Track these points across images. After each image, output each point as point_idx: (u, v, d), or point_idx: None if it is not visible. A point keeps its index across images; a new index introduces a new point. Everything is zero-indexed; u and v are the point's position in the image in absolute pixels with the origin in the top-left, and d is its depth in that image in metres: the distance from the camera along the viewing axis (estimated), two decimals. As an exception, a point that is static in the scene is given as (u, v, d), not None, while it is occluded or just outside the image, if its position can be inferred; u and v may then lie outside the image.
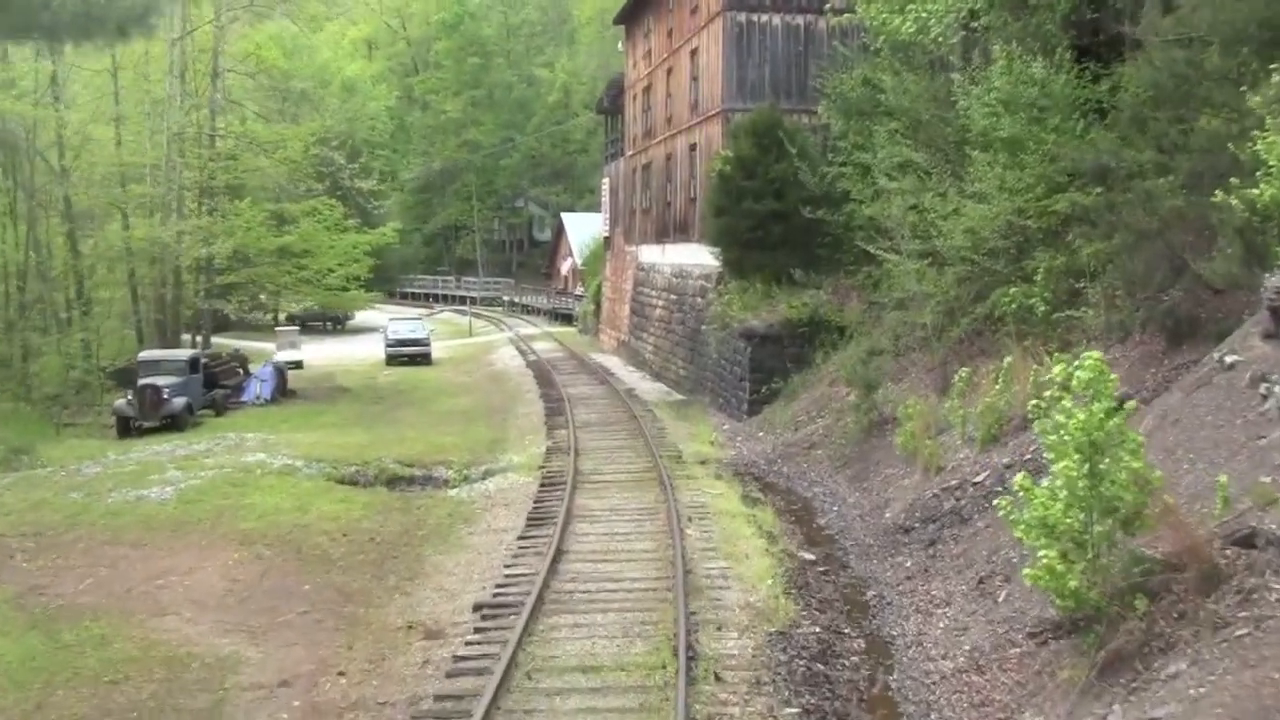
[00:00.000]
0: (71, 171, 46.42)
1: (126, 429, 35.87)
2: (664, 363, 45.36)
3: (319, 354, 69.44)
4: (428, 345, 62.07)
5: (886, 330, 30.56)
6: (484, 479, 27.60)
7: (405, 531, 22.13)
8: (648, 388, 43.83)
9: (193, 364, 38.38)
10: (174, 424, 35.80)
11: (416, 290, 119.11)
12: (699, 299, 40.83)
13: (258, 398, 42.84)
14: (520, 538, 20.85)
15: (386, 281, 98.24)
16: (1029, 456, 18.89)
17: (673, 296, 45.28)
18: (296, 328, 63.98)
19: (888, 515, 21.45)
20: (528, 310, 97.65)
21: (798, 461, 27.87)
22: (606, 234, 65.09)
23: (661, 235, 49.09)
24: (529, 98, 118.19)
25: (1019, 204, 24.37)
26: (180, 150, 46.33)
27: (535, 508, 23.18)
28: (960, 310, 26.73)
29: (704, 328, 38.50)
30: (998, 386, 21.66)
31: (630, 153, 56.88)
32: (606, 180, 65.04)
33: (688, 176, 44.37)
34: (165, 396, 35.63)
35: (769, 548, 19.60)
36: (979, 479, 19.77)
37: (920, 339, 28.80)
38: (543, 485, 25.47)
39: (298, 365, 59.60)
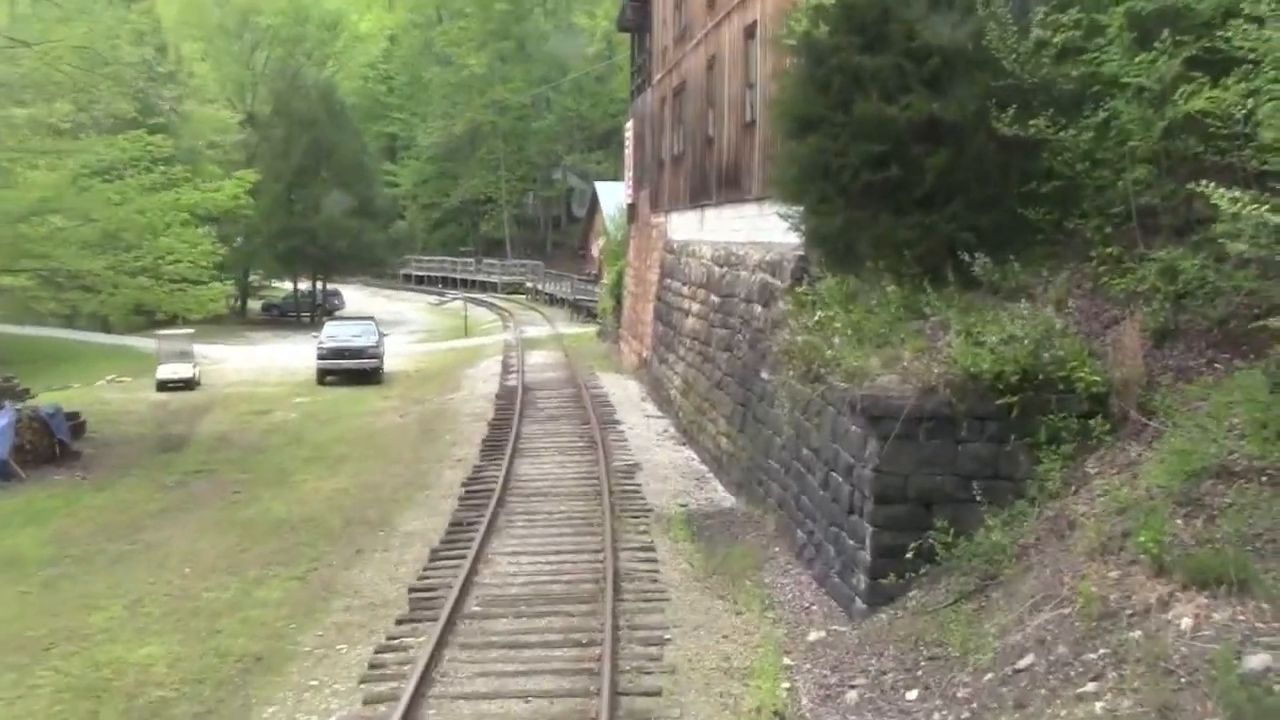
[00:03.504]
0: None
1: None
2: (696, 415, 26.06)
3: (245, 363, 51.45)
4: (376, 357, 43.75)
5: (1248, 410, 11.53)
6: None
7: None
8: (665, 462, 24.61)
9: None
10: None
11: (425, 274, 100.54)
12: (758, 307, 21.49)
13: (-42, 478, 24.09)
14: None
15: (373, 265, 79.66)
16: None
17: (713, 299, 26.01)
18: (189, 331, 45.44)
19: None
20: (553, 300, 78.73)
21: None
22: (630, 200, 45.76)
23: (699, 194, 29.84)
24: (565, 50, 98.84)
25: None
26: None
27: None
28: None
29: (767, 376, 19.03)
30: None
31: (659, 75, 37.55)
32: (630, 125, 45.67)
33: (741, 86, 25.02)
34: None
35: None
36: None
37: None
38: None
39: (186, 385, 41.69)
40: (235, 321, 77.69)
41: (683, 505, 20.58)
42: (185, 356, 43.92)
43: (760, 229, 22.46)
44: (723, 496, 21.31)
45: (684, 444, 26.46)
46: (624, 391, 35.28)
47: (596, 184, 77.63)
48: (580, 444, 26.70)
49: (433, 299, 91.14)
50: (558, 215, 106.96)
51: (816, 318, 16.12)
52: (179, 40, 68.25)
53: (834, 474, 15.07)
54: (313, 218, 70.72)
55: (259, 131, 76.28)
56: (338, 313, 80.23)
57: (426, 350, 55.92)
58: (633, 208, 44.86)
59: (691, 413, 26.55)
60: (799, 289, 18.17)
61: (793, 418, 17.13)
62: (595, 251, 74.85)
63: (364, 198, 74.24)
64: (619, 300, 46.41)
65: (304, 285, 79.26)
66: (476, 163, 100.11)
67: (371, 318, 49.66)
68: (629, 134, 45.69)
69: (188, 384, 42.32)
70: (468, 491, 22.11)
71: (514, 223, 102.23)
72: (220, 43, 77.82)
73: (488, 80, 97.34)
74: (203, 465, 27.08)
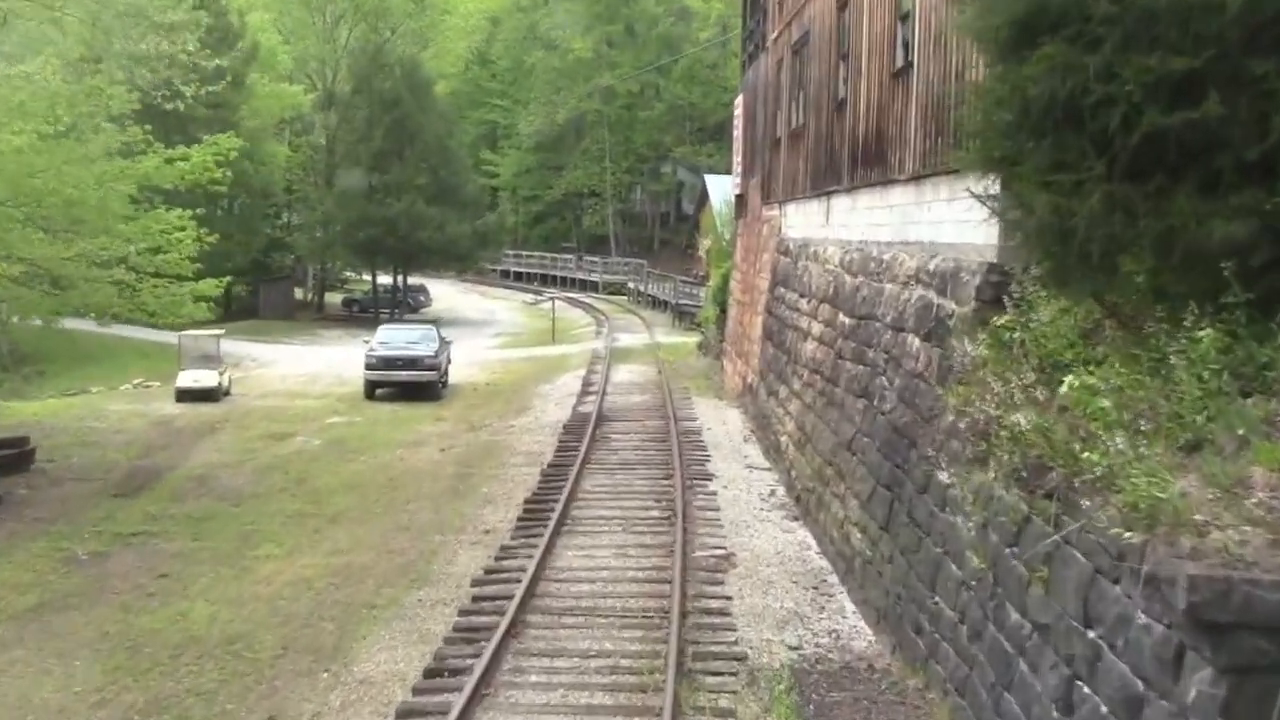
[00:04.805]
0: None
1: None
2: (816, 480, 18.61)
3: (295, 366, 45.52)
4: (435, 369, 37.15)
5: None
6: None
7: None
8: (769, 552, 17.27)
9: None
10: None
11: (524, 270, 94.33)
12: (915, 340, 14.10)
13: None
14: None
15: (458, 259, 73.05)
16: None
17: (843, 320, 18.68)
18: (219, 331, 39.13)
19: None
20: (655, 303, 71.75)
21: None
22: (738, 190, 38.44)
23: (823, 178, 22.48)
24: (677, 35, 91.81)
25: None
26: None
27: None
28: None
29: (946, 475, 11.61)
30: None
31: (774, 32, 30.20)
32: (740, 101, 38.32)
33: (888, 21, 17.57)
34: None
35: None
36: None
37: None
38: None
39: (208, 395, 35.60)
40: (310, 317, 72.05)
41: (793, 648, 13.27)
42: (210, 361, 37.68)
43: (916, 222, 15.17)
44: (854, 628, 13.97)
45: (796, 519, 19.15)
46: (722, 427, 28.11)
47: (706, 176, 70.48)
48: (654, 513, 19.56)
49: (529, 298, 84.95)
50: (666, 212, 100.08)
51: (1064, 387, 8.68)
52: (247, 8, 62.36)
53: (1085, 688, 7.75)
54: (393, 206, 64.40)
55: (339, 112, 70.44)
56: (423, 310, 74.46)
57: (505, 358, 49.31)
58: (740, 199, 37.58)
59: (808, 474, 19.21)
60: (999, 320, 10.78)
61: (987, 547, 9.81)
62: (702, 250, 67.82)
63: (450, 186, 67.83)
64: (723, 308, 39.19)
65: (388, 279, 73.21)
66: (580, 154, 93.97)
67: (433, 323, 43.31)
68: (738, 112, 38.36)
69: (211, 394, 36.08)
70: (476, 599, 15.12)
71: (619, 219, 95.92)
72: (300, 14, 71.82)
73: (594, 66, 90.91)
74: (149, 523, 20.42)
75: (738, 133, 38.27)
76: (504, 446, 27.25)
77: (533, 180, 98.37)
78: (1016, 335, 10.33)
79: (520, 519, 19.32)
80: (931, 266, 13.86)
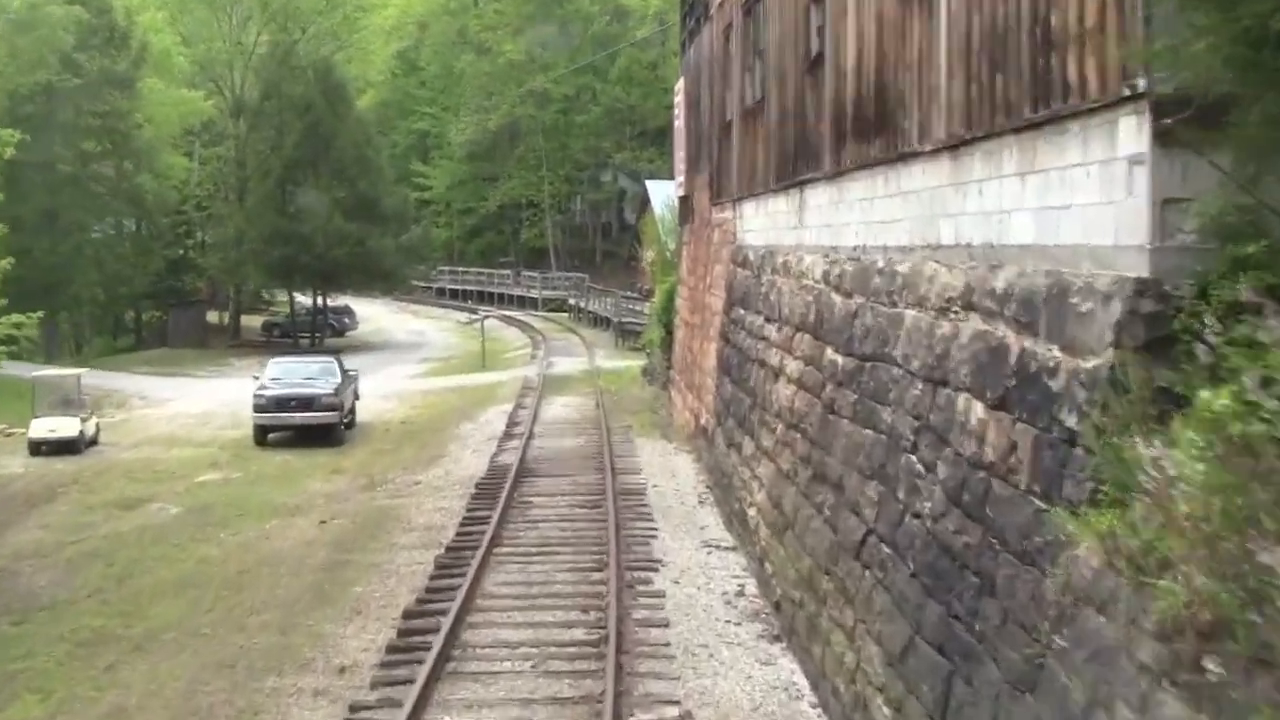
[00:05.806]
0: None
1: None
2: (807, 589, 13.11)
3: (190, 404, 40.25)
4: (335, 409, 31.98)
5: None
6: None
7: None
8: (743, 704, 11.72)
9: None
10: None
11: (460, 287, 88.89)
12: (976, 405, 8.71)
13: None
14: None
15: (381, 277, 67.32)
16: None
17: (834, 357, 13.30)
18: (79, 370, 33.51)
19: None
20: (596, 321, 66.59)
21: None
22: (682, 191, 33.03)
23: (794, 165, 17.06)
24: (613, 34, 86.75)
25: None
26: None
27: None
28: None
29: (1091, 688, 6.32)
30: None
31: (721, -5, 24.80)
32: (679, 88, 32.88)
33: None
34: None
35: None
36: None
37: None
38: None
39: (68, 447, 30.17)
40: (224, 344, 66.26)
41: None
42: (69, 406, 32.01)
43: (954, 214, 9.81)
44: None
45: (777, 639, 13.68)
46: (670, 482, 22.78)
47: (648, 182, 65.31)
48: (579, 632, 14.04)
49: (463, 317, 79.64)
50: (608, 222, 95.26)
51: None
52: (137, 8, 56.77)
53: None
54: (308, 221, 58.83)
55: (248, 120, 64.89)
56: (349, 332, 69.33)
57: (428, 389, 43.92)
58: (685, 201, 32.18)
59: (792, 577, 13.72)
60: (1219, 399, 5.30)
61: None
62: (646, 263, 62.64)
63: (369, 198, 62.21)
64: (669, 330, 33.80)
65: (310, 300, 67.63)
66: (516, 163, 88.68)
67: (335, 355, 37.88)
68: (678, 99, 32.96)
69: (71, 445, 30.54)
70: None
71: (559, 230, 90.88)
72: (201, 14, 66.07)
73: (527, 69, 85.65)
74: None
75: (679, 124, 32.89)
76: (399, 516, 21.72)
77: (467, 192, 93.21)
78: (1255, 428, 4.94)
79: (392, 646, 13.79)
80: (998, 285, 8.47)
